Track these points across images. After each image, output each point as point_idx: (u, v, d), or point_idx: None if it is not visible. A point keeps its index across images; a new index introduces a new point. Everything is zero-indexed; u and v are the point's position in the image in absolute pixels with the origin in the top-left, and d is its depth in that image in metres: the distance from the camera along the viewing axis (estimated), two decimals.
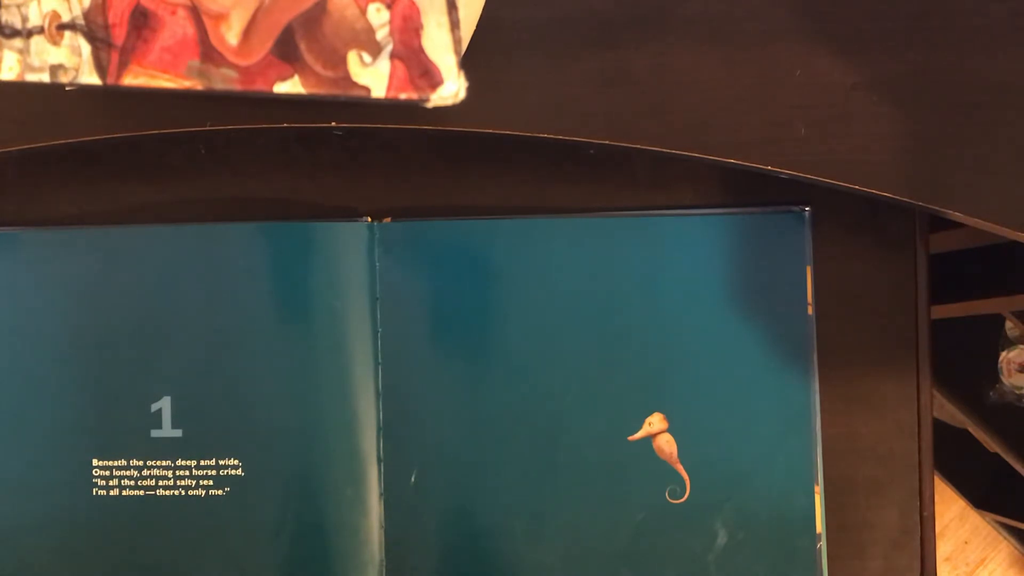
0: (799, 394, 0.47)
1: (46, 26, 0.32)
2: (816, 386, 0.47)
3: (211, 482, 0.46)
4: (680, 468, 0.47)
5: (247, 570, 0.46)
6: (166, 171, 0.48)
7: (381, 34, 0.31)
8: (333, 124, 0.42)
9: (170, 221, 0.48)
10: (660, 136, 0.41)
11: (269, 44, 0.31)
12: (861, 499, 0.48)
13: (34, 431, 0.47)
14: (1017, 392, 0.92)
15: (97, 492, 0.47)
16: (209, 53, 0.31)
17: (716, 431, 0.47)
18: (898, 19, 0.41)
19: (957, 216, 0.41)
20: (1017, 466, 0.91)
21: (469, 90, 0.31)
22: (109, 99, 0.43)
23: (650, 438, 0.47)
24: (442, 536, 0.46)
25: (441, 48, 0.31)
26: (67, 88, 0.32)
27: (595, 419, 0.47)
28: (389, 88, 0.31)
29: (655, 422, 0.47)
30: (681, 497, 0.47)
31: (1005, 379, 0.93)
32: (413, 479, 0.46)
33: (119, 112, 0.42)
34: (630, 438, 0.47)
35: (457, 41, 0.31)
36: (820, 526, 0.47)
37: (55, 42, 0.32)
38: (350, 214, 0.48)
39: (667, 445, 0.47)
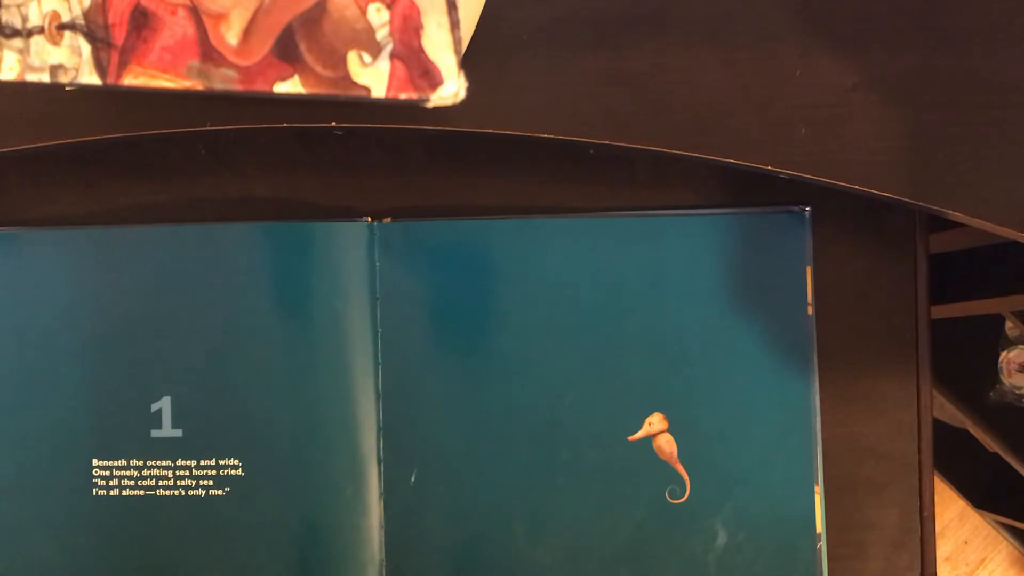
0: (799, 394, 0.47)
1: (46, 26, 0.32)
2: (816, 386, 0.47)
3: (211, 482, 0.46)
4: (680, 468, 0.46)
5: (247, 570, 0.46)
6: (166, 171, 0.48)
7: (381, 34, 0.31)
8: (333, 124, 0.42)
9: (170, 221, 0.48)
10: (660, 136, 0.41)
11: (269, 44, 0.31)
12: (861, 499, 0.48)
13: (34, 431, 0.47)
14: (1017, 392, 0.92)
15: (97, 492, 0.47)
16: (209, 53, 0.31)
17: (716, 431, 0.47)
18: (898, 19, 0.41)
19: (957, 216, 0.41)
20: (1017, 466, 0.91)
21: (469, 90, 0.31)
22: (109, 99, 0.43)
23: (650, 438, 0.47)
24: (442, 536, 0.46)
25: (441, 48, 0.31)
26: (67, 88, 0.32)
27: (595, 419, 0.47)
28: (389, 88, 0.31)
29: (655, 422, 0.47)
30: (681, 497, 0.47)
31: (1005, 379, 0.93)
32: (413, 479, 0.46)
33: (119, 112, 0.42)
34: (630, 438, 0.47)
35: (457, 41, 0.31)
36: (820, 526, 0.47)
37: (55, 42, 0.32)
38: (350, 214, 0.48)
39: (667, 445, 0.47)
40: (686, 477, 0.47)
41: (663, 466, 0.47)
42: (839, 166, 0.41)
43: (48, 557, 0.47)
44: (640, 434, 0.47)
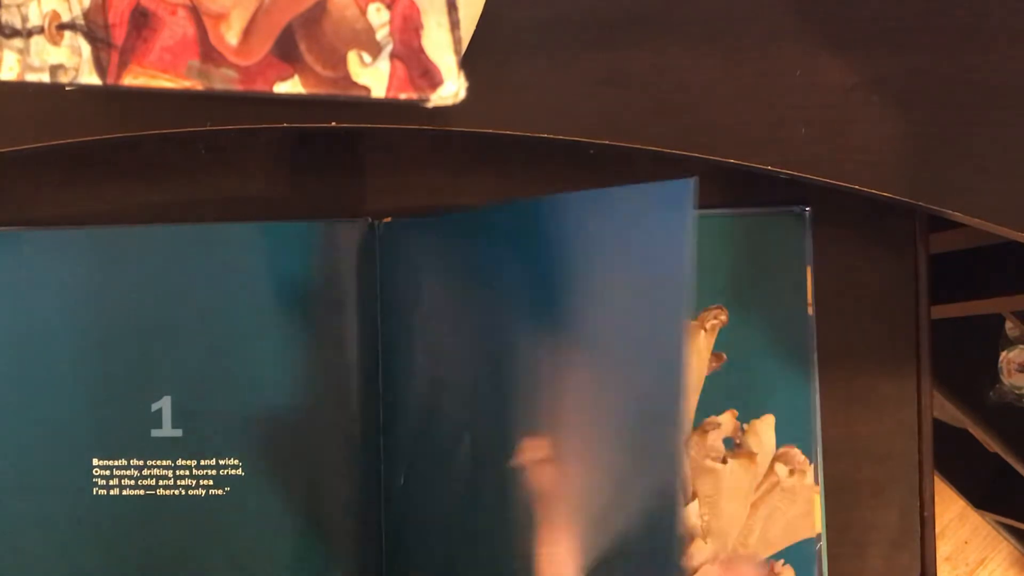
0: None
1: (46, 26, 0.32)
2: (816, 386, 0.47)
3: (211, 482, 0.46)
4: None
5: (247, 569, 0.46)
6: (166, 171, 0.48)
7: (381, 34, 0.31)
8: (333, 124, 0.42)
9: (170, 221, 0.48)
10: (660, 136, 0.41)
11: (269, 44, 0.31)
12: (861, 499, 0.48)
13: (35, 430, 0.47)
14: (1017, 392, 0.92)
15: (97, 492, 0.47)
16: (209, 53, 0.31)
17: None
18: (898, 19, 0.41)
19: (957, 216, 0.41)
20: (1017, 466, 0.91)
21: (469, 90, 0.31)
22: (109, 99, 0.43)
23: None
24: (441, 536, 0.46)
25: (441, 48, 0.31)
26: (67, 88, 0.32)
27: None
28: (389, 88, 0.31)
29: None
30: None
31: (1005, 379, 0.93)
32: (403, 480, 0.46)
33: (119, 112, 0.42)
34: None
35: (457, 41, 0.31)
36: (820, 526, 0.47)
37: (55, 42, 0.32)
38: (350, 214, 0.48)
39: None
40: None
41: None
42: (839, 166, 0.41)
43: (48, 556, 0.47)
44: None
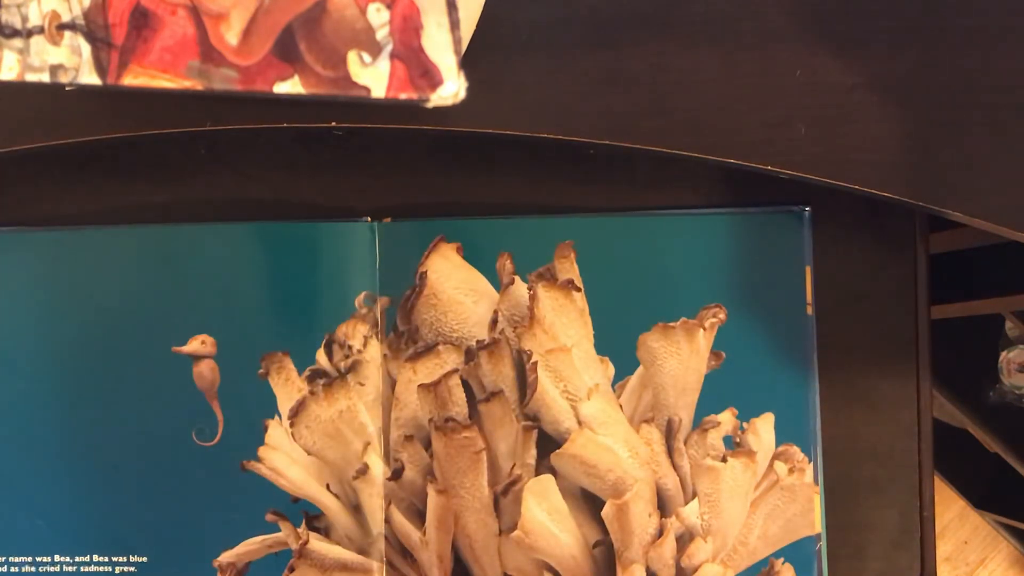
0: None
1: (46, 26, 0.32)
2: (816, 386, 0.47)
3: None
4: None
5: None
6: (166, 171, 0.48)
7: (381, 34, 0.31)
8: (333, 124, 0.42)
9: (170, 221, 0.48)
10: (660, 136, 0.41)
11: (269, 44, 0.31)
12: (861, 499, 0.48)
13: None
14: (1017, 392, 0.92)
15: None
16: (209, 53, 0.31)
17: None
18: (898, 19, 0.41)
19: (957, 216, 0.41)
20: (1017, 466, 0.91)
21: (469, 90, 0.31)
22: (109, 99, 0.43)
23: None
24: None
25: (441, 48, 0.31)
26: (67, 88, 0.32)
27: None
28: (389, 88, 0.31)
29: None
30: None
31: (1005, 379, 0.93)
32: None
33: (119, 112, 0.42)
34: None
35: (457, 41, 0.31)
36: (820, 526, 0.47)
37: (55, 42, 0.32)
38: (350, 214, 0.48)
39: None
40: None
41: None
42: (839, 166, 0.41)
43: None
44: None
